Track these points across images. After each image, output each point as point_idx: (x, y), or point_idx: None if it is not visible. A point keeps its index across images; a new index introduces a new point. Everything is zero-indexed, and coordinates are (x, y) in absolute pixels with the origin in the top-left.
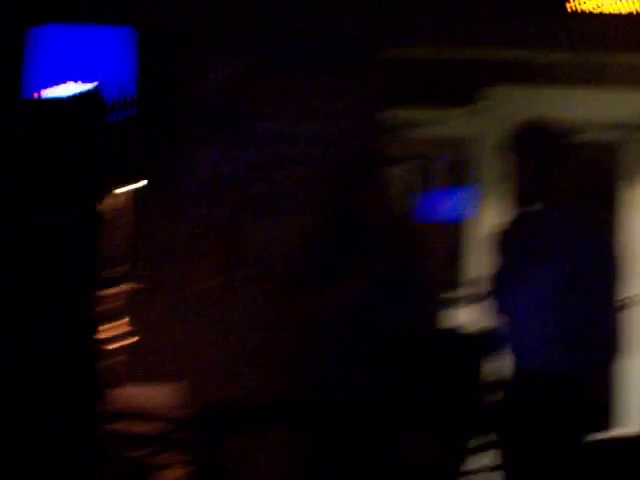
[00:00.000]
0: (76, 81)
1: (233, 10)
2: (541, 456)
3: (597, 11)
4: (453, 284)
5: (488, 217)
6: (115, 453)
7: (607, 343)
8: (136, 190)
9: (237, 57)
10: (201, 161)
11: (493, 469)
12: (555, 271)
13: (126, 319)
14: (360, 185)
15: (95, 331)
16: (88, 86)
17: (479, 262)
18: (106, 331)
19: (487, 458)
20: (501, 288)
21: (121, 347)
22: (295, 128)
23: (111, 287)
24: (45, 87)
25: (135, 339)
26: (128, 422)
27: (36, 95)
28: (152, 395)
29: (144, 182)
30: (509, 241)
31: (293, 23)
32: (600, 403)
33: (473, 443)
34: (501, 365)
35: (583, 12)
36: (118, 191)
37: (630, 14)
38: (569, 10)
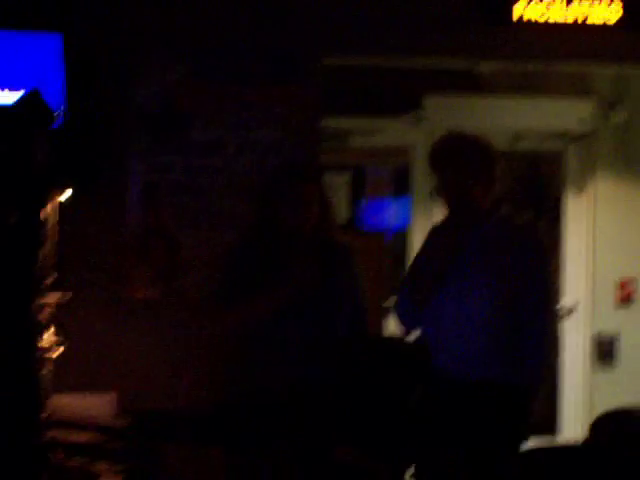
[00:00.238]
0: (2, 89)
1: (166, 19)
2: (476, 465)
3: (542, 20)
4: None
5: (425, 226)
6: (50, 462)
7: (542, 352)
8: (63, 199)
9: (171, 65)
10: (132, 169)
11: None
12: (486, 282)
13: (54, 329)
14: (292, 195)
15: (33, 339)
16: (22, 92)
17: None
18: (38, 340)
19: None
20: (426, 297)
21: (50, 357)
22: (229, 137)
23: (39, 297)
24: None
25: (63, 349)
26: (61, 431)
27: None
28: (84, 404)
29: (70, 191)
30: (435, 251)
31: (228, 32)
32: (536, 412)
33: (406, 453)
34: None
35: (528, 21)
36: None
37: (575, 23)
38: (514, 19)
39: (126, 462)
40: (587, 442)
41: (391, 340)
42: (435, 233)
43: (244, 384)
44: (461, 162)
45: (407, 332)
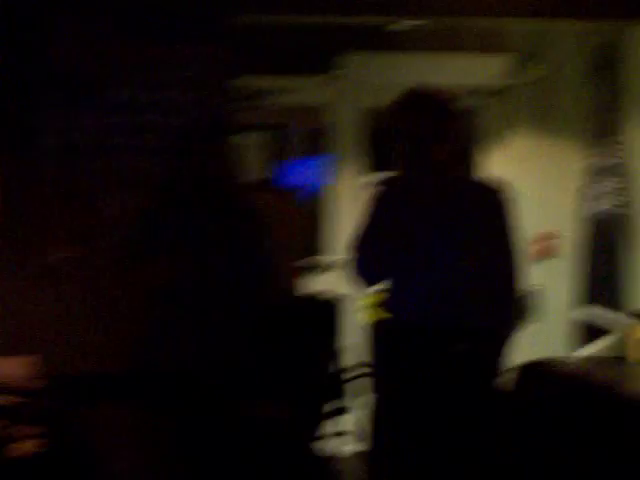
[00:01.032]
0: None
1: None
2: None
3: None
4: (313, 251)
5: (346, 185)
6: None
7: (514, 299)
8: None
9: (82, 26)
10: (44, 131)
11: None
12: (457, 237)
13: None
14: (210, 154)
15: None
16: None
17: (339, 229)
18: None
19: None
20: (393, 253)
21: None
22: (146, 96)
23: None
24: None
25: None
26: None
27: None
28: (2, 367)
29: None
30: (399, 208)
31: None
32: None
33: (327, 407)
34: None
35: None
36: None
37: None
38: None
39: (43, 424)
40: (509, 392)
41: (301, 297)
42: (391, 189)
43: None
44: (422, 117)
45: (369, 287)
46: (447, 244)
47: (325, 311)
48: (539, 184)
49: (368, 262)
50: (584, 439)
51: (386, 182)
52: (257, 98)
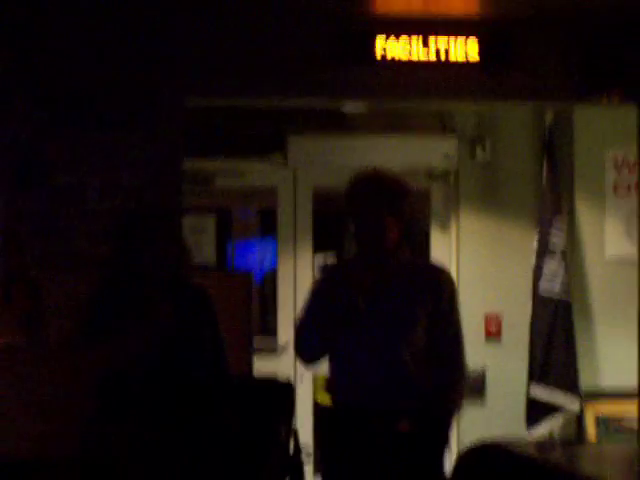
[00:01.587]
0: None
1: (25, 64)
2: None
3: (405, 58)
4: (263, 333)
5: (291, 267)
6: None
7: (457, 383)
8: None
9: (30, 112)
10: None
11: None
12: (400, 321)
13: None
14: (154, 237)
15: None
16: None
17: (284, 311)
18: None
19: None
20: (334, 333)
21: None
22: (91, 181)
23: None
24: None
25: None
26: None
27: None
28: None
29: None
30: (344, 289)
31: (89, 76)
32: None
33: None
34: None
35: (392, 59)
36: None
37: (437, 62)
38: (377, 57)
39: None
40: (452, 476)
41: (259, 380)
42: (335, 271)
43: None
44: (380, 201)
45: (308, 365)
46: (387, 326)
47: (282, 392)
48: (485, 264)
49: (308, 343)
50: None
51: (329, 265)
52: (205, 181)
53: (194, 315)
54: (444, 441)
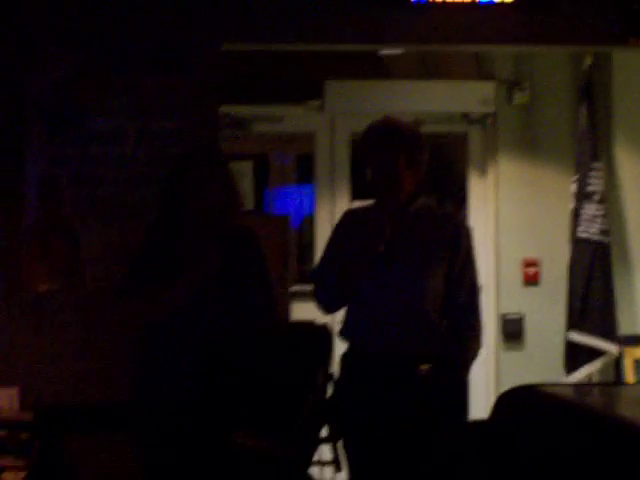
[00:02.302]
0: None
1: (60, 9)
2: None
3: (442, 1)
4: (297, 279)
5: (329, 211)
6: None
7: (473, 328)
8: None
9: (67, 56)
10: (30, 163)
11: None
12: (416, 265)
13: None
14: (196, 179)
15: None
16: None
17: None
18: None
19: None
20: (352, 280)
21: None
22: (128, 126)
23: None
24: None
25: None
26: None
27: None
28: None
29: None
30: (360, 235)
31: (124, 21)
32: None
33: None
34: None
35: (427, 2)
36: None
37: (473, 4)
38: (414, 0)
39: (30, 456)
40: (491, 419)
41: (296, 324)
42: (354, 217)
43: (145, 379)
44: (397, 147)
45: (328, 314)
46: (406, 272)
47: (321, 337)
48: (524, 210)
49: (326, 289)
50: (571, 468)
51: (349, 211)
52: (242, 126)
53: (245, 257)
54: (462, 388)
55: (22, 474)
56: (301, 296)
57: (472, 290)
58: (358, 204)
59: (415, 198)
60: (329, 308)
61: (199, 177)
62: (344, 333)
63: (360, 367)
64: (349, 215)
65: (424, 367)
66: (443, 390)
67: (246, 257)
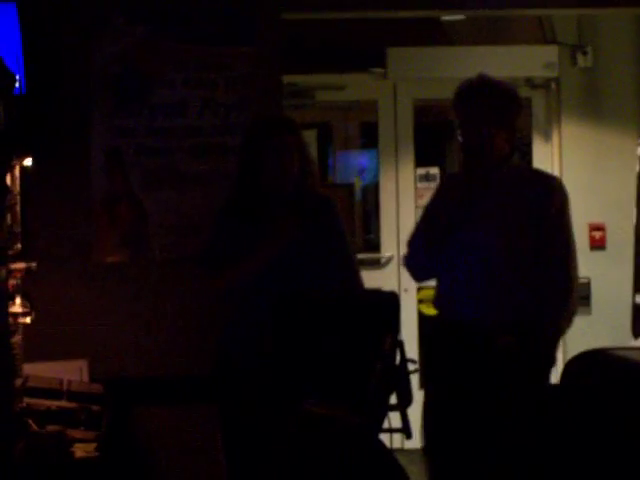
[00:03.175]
0: None
1: None
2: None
3: None
4: (361, 247)
5: (392, 179)
6: (28, 429)
7: (565, 299)
8: (24, 167)
9: (131, 27)
10: (95, 134)
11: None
12: (504, 230)
13: (20, 299)
14: (272, 147)
15: (2, 307)
16: None
17: (386, 224)
18: (7, 308)
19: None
20: (440, 247)
21: (20, 324)
22: (192, 97)
23: (4, 265)
24: None
25: (31, 318)
26: (35, 398)
27: None
28: (56, 372)
29: (30, 159)
30: (450, 200)
31: None
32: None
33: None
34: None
35: None
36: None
37: None
38: None
39: (100, 428)
40: (561, 383)
41: (363, 292)
42: (451, 181)
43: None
44: (490, 105)
45: (419, 282)
46: (490, 238)
47: (390, 303)
48: (589, 174)
49: (418, 257)
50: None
51: (449, 176)
52: (305, 95)
53: (320, 227)
54: (548, 359)
55: (92, 446)
56: (366, 264)
57: (565, 253)
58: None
59: (508, 159)
60: (418, 275)
61: (277, 145)
62: (434, 302)
63: (443, 336)
64: (448, 179)
65: (507, 339)
66: (524, 364)
67: (326, 225)
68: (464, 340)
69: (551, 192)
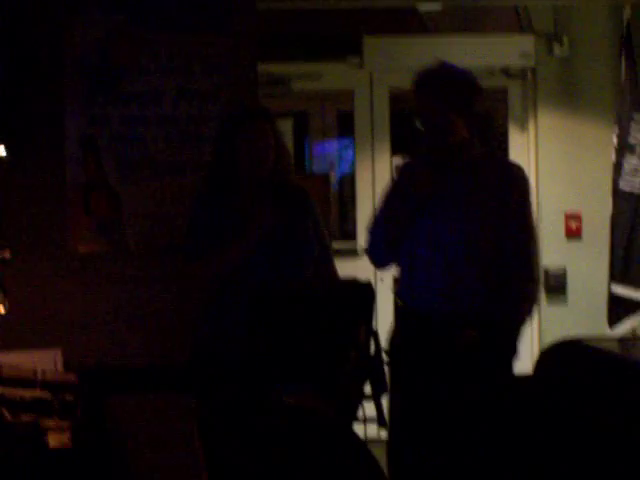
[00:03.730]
0: None
1: None
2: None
3: None
4: (337, 236)
5: (369, 168)
6: (3, 418)
7: (527, 287)
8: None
9: (105, 16)
10: (69, 122)
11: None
12: (466, 218)
13: None
14: (247, 135)
15: None
16: None
17: (363, 213)
18: None
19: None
20: (401, 234)
21: None
22: (166, 86)
23: None
24: None
25: (3, 307)
26: (7, 388)
27: None
28: (30, 361)
29: (2, 147)
30: (411, 187)
31: None
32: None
33: (354, 392)
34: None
35: None
36: None
37: None
38: None
39: (74, 418)
40: (535, 373)
41: (339, 282)
42: (408, 169)
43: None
44: (448, 92)
45: (379, 270)
46: (451, 226)
47: (365, 293)
48: (565, 163)
49: (378, 245)
50: (614, 422)
51: (401, 165)
52: (281, 84)
53: (295, 215)
54: (510, 350)
55: (66, 435)
56: (342, 254)
57: (526, 243)
58: (402, 160)
59: (469, 147)
60: (378, 263)
61: (252, 132)
62: (397, 291)
63: (407, 327)
64: (404, 167)
65: (469, 333)
66: (488, 356)
67: (301, 215)
68: (426, 331)
69: (513, 180)
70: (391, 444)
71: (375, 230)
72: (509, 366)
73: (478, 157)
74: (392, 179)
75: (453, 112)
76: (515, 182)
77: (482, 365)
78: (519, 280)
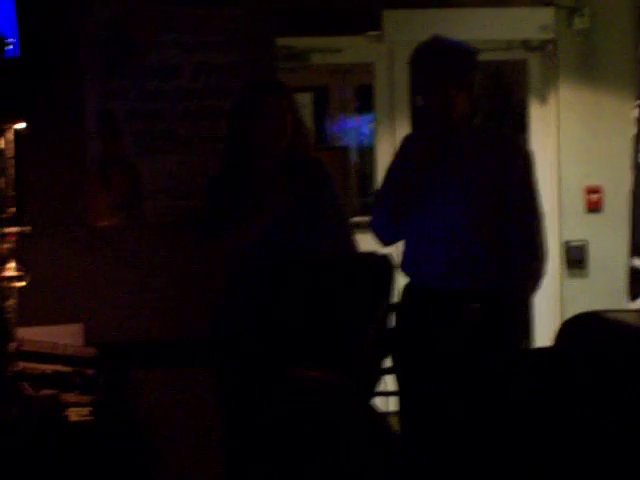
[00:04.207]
0: None
1: None
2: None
3: None
4: (357, 210)
5: (389, 142)
6: (23, 392)
7: (531, 261)
8: (17, 132)
9: None
10: (88, 97)
11: (394, 393)
12: (468, 191)
13: (14, 263)
14: (263, 110)
15: None
16: None
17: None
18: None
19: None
20: (404, 209)
21: (13, 288)
22: (184, 60)
23: None
24: None
25: (25, 282)
26: (29, 362)
27: None
28: (51, 336)
29: (23, 123)
30: (413, 162)
31: None
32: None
33: (373, 367)
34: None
35: None
36: None
37: None
38: None
39: (95, 392)
40: (555, 346)
41: (357, 255)
42: (410, 143)
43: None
44: (444, 67)
45: (385, 246)
46: (454, 201)
47: (382, 268)
48: (586, 136)
49: (383, 221)
50: (635, 395)
51: (407, 137)
52: (301, 58)
53: (311, 189)
54: (516, 325)
55: (87, 410)
56: (362, 227)
57: (530, 219)
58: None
59: (469, 121)
60: (383, 239)
61: (269, 107)
62: (402, 267)
63: (413, 302)
64: (406, 141)
65: (472, 307)
66: (493, 330)
67: (317, 189)
68: (432, 306)
69: (515, 155)
70: (403, 419)
71: (380, 206)
72: (516, 341)
73: (480, 132)
74: (395, 154)
75: (452, 86)
76: (518, 157)
77: (487, 339)
78: (523, 257)
